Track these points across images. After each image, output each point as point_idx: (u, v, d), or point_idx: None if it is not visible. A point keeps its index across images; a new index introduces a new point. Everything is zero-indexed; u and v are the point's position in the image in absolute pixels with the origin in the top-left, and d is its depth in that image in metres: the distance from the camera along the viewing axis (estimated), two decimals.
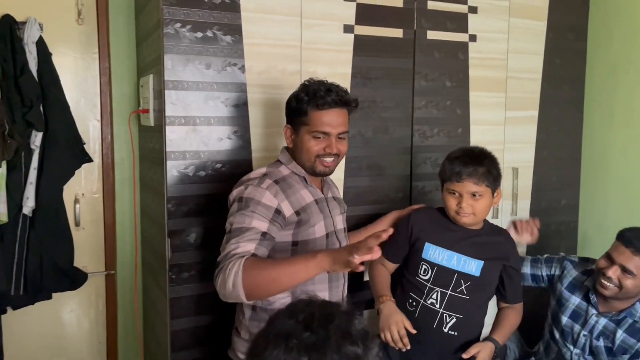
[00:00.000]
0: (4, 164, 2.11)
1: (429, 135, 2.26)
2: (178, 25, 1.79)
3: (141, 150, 2.36)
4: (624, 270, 1.82)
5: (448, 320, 1.80)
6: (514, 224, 2.11)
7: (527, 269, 2.17)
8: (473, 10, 2.28)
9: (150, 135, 2.11)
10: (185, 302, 1.88)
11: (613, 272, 1.83)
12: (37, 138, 2.17)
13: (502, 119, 2.43)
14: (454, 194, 1.76)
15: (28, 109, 2.14)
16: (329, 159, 1.61)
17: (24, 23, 2.17)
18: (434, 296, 1.81)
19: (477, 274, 1.80)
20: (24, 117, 2.13)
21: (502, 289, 1.90)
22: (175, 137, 1.83)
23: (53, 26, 2.28)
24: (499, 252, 1.86)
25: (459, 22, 2.26)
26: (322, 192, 1.70)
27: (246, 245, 1.44)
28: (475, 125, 2.35)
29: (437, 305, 1.80)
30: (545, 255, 2.19)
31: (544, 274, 2.14)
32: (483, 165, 1.73)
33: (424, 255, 1.84)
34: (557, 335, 2.06)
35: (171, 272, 1.85)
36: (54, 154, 2.19)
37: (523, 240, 2.11)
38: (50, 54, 2.23)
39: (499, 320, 1.92)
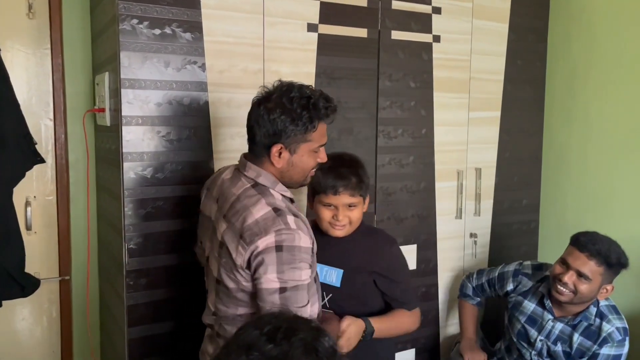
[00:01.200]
0: None
1: (393, 136, 2.25)
2: (135, 21, 1.72)
3: (97, 150, 2.27)
4: (580, 275, 1.83)
5: None
6: None
7: (486, 292, 2.21)
8: (437, 10, 2.28)
9: (107, 136, 2.03)
10: (143, 309, 1.81)
11: (569, 278, 1.85)
12: None
13: (466, 119, 2.44)
14: (329, 206, 1.67)
15: None
16: (314, 170, 1.53)
17: None
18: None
19: (337, 284, 1.70)
20: None
21: (386, 295, 1.75)
22: (132, 138, 1.75)
23: (1, 20, 2.17)
24: (364, 258, 1.71)
25: (423, 23, 2.26)
26: None
27: (316, 307, 1.39)
28: (439, 126, 2.35)
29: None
30: (497, 273, 2.20)
31: (500, 293, 2.17)
32: (356, 175, 1.66)
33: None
34: (514, 338, 2.08)
35: (128, 278, 1.78)
36: (3, 154, 2.07)
37: None
38: None
39: (387, 314, 1.74)
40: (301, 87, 1.43)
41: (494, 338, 2.38)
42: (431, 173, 2.34)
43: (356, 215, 1.68)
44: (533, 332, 2.00)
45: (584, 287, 1.83)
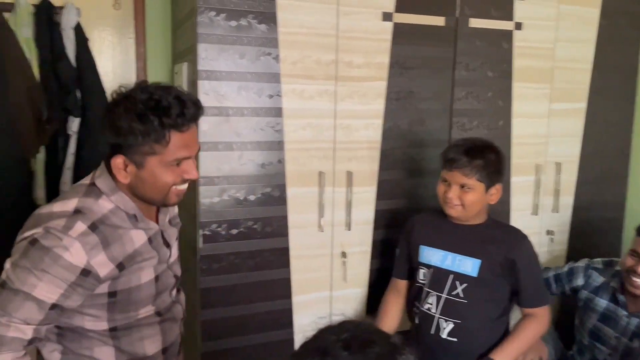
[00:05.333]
0: (42, 149, 2.14)
1: (468, 128, 2.18)
2: (212, 13, 1.76)
3: None
4: None
5: (445, 326, 1.70)
6: None
7: (552, 287, 2.11)
8: None
9: None
10: (215, 293, 1.88)
11: None
12: (74, 124, 2.19)
13: (546, 111, 2.31)
14: (445, 181, 1.70)
15: (65, 94, 2.15)
16: (185, 185, 1.27)
17: (61, 8, 2.17)
18: (430, 300, 1.74)
19: (475, 274, 1.69)
20: (61, 103, 2.15)
21: (516, 292, 1.75)
22: (208, 128, 1.81)
23: (90, 11, 2.27)
24: (500, 248, 1.70)
25: (504, 9, 2.15)
26: (158, 221, 1.35)
27: (19, 329, 1.11)
28: (517, 118, 2.25)
29: (433, 310, 1.72)
30: (566, 268, 2.11)
31: (567, 288, 2.08)
32: (480, 158, 1.65)
33: (420, 259, 1.80)
34: (586, 338, 1.99)
35: (202, 263, 1.85)
36: (90, 139, 2.20)
37: None
38: (87, 40, 2.23)
39: (511, 332, 1.75)
40: (158, 89, 1.18)
41: (569, 341, 2.28)
42: (507, 167, 2.25)
43: (469, 198, 1.66)
44: (607, 330, 1.91)
45: None
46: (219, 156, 1.83)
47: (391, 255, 2.12)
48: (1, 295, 1.13)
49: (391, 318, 1.91)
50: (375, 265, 2.11)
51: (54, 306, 1.14)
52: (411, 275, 1.88)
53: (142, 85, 1.20)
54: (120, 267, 1.22)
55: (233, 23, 1.79)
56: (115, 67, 2.39)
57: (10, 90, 2.02)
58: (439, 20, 2.06)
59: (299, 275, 1.98)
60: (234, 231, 1.88)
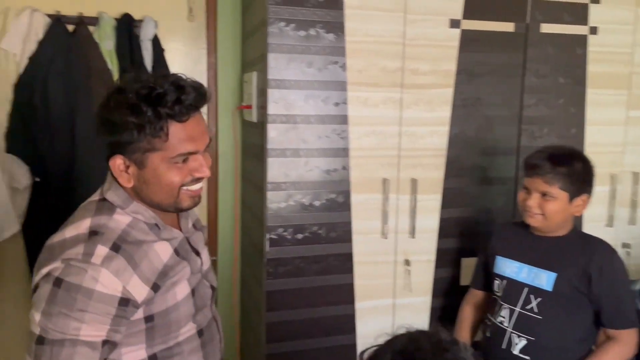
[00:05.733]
0: None
1: (537, 135, 2.12)
2: (282, 24, 1.81)
3: (243, 144, 2.44)
4: None
5: (517, 342, 1.61)
6: None
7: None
8: (595, 0, 2.08)
9: (252, 131, 2.17)
10: (280, 296, 1.92)
11: None
12: None
13: (624, 118, 2.21)
14: (526, 189, 1.62)
15: None
16: (198, 186, 1.11)
17: (140, 21, 2.30)
18: (503, 313, 1.66)
19: (549, 288, 1.58)
20: None
21: (598, 310, 1.59)
22: (276, 135, 1.86)
23: (166, 23, 2.40)
24: (579, 261, 1.57)
25: (577, 14, 2.08)
26: (181, 228, 1.21)
27: None
28: (591, 126, 2.17)
29: (506, 324, 1.64)
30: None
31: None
32: (564, 165, 1.55)
33: (494, 269, 1.73)
34: None
35: (268, 266, 1.90)
36: None
37: None
38: (163, 50, 2.35)
39: (590, 355, 1.60)
40: (153, 76, 1.05)
41: None
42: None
43: (551, 208, 1.57)
44: None
45: None
46: (286, 162, 1.88)
47: (456, 264, 2.09)
48: (45, 352, 0.97)
49: (465, 329, 1.87)
50: (439, 274, 2.08)
51: (105, 342, 1.01)
52: (489, 286, 1.81)
53: (136, 76, 1.05)
54: (155, 287, 1.07)
55: (302, 33, 1.83)
56: (188, 76, 2.49)
57: (93, 99, 2.15)
58: (508, 27, 2.02)
59: (362, 282, 1.99)
60: (300, 236, 1.91)
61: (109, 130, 1.04)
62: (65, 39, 2.16)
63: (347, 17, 1.86)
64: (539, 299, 1.60)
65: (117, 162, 1.06)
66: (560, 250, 1.62)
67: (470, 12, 1.97)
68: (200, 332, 1.20)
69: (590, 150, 2.17)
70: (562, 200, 1.57)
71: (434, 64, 1.96)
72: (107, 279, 1.00)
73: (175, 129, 1.03)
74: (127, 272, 1.02)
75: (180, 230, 1.21)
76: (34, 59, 2.13)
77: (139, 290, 1.04)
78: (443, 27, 1.96)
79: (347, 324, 2.00)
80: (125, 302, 1.02)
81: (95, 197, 1.13)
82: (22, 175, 2.17)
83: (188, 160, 1.07)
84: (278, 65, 1.83)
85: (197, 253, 1.23)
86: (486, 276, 1.82)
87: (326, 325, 1.98)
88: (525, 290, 1.62)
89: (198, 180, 1.10)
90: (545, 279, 1.60)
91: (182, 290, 1.13)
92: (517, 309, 1.63)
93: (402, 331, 0.87)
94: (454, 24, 1.96)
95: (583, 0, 2.08)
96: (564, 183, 1.56)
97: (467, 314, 1.89)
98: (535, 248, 1.65)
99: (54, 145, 2.14)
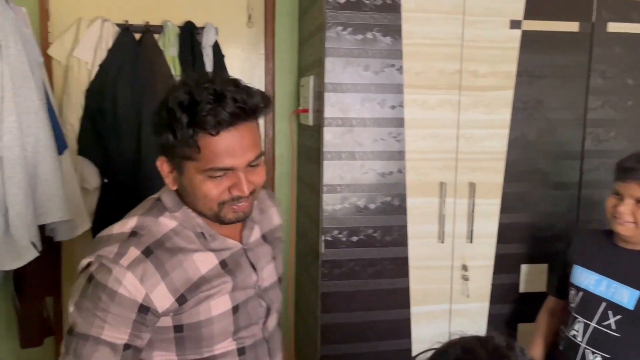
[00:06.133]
0: None
1: (603, 139, 2.04)
2: (340, 28, 1.83)
3: (299, 147, 2.47)
4: None
5: (591, 358, 1.51)
6: None
7: None
8: None
9: (309, 134, 2.20)
10: (335, 298, 1.93)
11: None
12: None
13: None
14: (617, 194, 1.50)
15: None
16: (240, 204, 1.02)
17: (202, 28, 2.38)
18: (576, 327, 1.56)
19: (631, 306, 1.45)
20: None
21: None
22: (332, 138, 1.88)
23: (226, 30, 2.47)
24: None
25: None
26: (241, 238, 1.13)
27: None
28: None
29: (579, 338, 1.54)
30: None
31: None
32: None
33: (571, 279, 1.63)
34: None
35: (324, 268, 1.92)
36: None
37: None
38: (223, 56, 2.42)
39: None
40: (203, 80, 0.97)
41: None
42: None
43: None
44: None
45: None
46: (342, 165, 1.89)
47: (516, 270, 2.04)
48: (72, 343, 0.98)
49: (539, 337, 1.79)
50: (498, 281, 2.04)
51: (127, 346, 0.99)
52: (565, 295, 1.71)
53: (187, 76, 1.02)
54: (181, 299, 1.01)
55: (359, 37, 1.84)
56: (246, 81, 2.55)
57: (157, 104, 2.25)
58: (572, 26, 1.96)
59: (418, 286, 1.98)
60: (354, 238, 1.92)
61: (154, 130, 1.01)
62: (132, 46, 2.27)
63: (404, 20, 1.86)
64: (618, 317, 1.48)
65: (159, 163, 1.04)
66: None
67: (531, 12, 1.92)
68: (241, 350, 1.11)
69: None
70: None
71: (493, 66, 1.93)
72: (131, 283, 0.97)
73: (208, 141, 0.95)
74: (153, 279, 0.98)
75: (241, 241, 1.13)
76: (104, 67, 2.25)
77: (163, 300, 0.99)
78: (503, 28, 1.92)
79: (402, 329, 1.99)
80: (145, 309, 0.98)
81: (156, 194, 1.11)
82: (92, 176, 2.30)
83: (226, 175, 0.99)
84: (335, 69, 1.85)
85: (255, 268, 1.14)
86: (563, 283, 1.72)
87: (381, 328, 1.98)
88: (603, 305, 1.52)
89: (238, 198, 1.00)
90: (627, 296, 1.48)
91: (219, 305, 1.06)
92: (593, 324, 1.53)
93: (455, 337, 0.85)
94: (515, 24, 1.92)
95: None
96: None
97: (542, 321, 1.81)
98: (617, 260, 1.53)
99: (121, 148, 2.25)
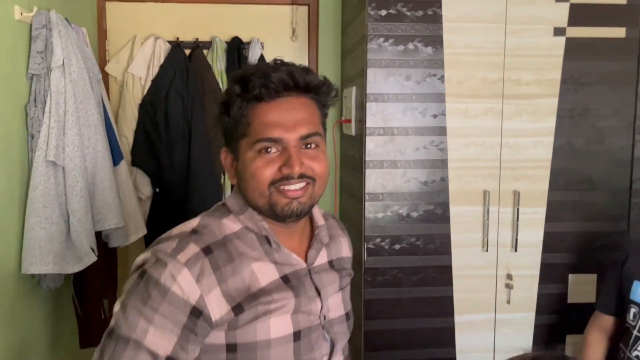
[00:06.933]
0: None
1: None
2: (381, 40, 1.87)
3: (342, 157, 2.52)
4: None
5: None
6: None
7: None
8: None
9: (351, 144, 2.24)
10: (379, 305, 1.95)
11: None
12: None
13: None
14: None
15: None
16: (294, 186, 0.92)
17: (248, 43, 2.47)
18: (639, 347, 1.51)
19: None
20: None
21: None
22: (374, 147, 1.91)
23: (272, 44, 2.56)
24: None
25: None
26: (307, 258, 1.01)
27: None
28: None
29: None
30: None
31: None
32: None
33: (631, 295, 1.56)
34: None
35: (367, 275, 1.94)
36: None
37: None
38: None
39: None
40: (268, 63, 0.96)
41: None
42: None
43: None
44: None
45: None
46: (384, 174, 1.92)
47: (563, 280, 2.00)
48: (110, 346, 0.87)
49: (595, 356, 1.70)
50: (544, 290, 2.01)
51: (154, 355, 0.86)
52: (620, 311, 1.65)
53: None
54: (238, 309, 0.90)
55: (400, 47, 1.88)
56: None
57: (207, 116, 2.35)
58: (619, 32, 1.93)
59: (462, 295, 1.97)
60: (397, 246, 1.94)
61: (218, 119, 0.99)
62: (183, 62, 2.38)
63: (445, 30, 1.88)
64: None
65: (224, 155, 1.00)
66: None
67: (575, 19, 1.91)
68: None
69: None
70: None
71: (536, 74, 1.92)
72: (186, 281, 0.87)
73: (259, 110, 0.91)
74: (209, 281, 0.89)
75: (306, 261, 1.01)
76: (156, 81, 2.37)
77: (217, 306, 0.89)
78: (547, 36, 1.91)
79: (447, 337, 1.99)
80: (197, 313, 0.87)
81: (221, 201, 1.05)
82: (145, 186, 2.41)
83: (278, 154, 0.92)
84: (377, 80, 1.88)
85: (319, 294, 1.01)
86: (618, 300, 1.65)
87: (425, 337, 1.98)
88: None
89: (287, 177, 0.91)
90: None
91: (279, 326, 0.94)
92: None
93: (517, 354, 0.82)
94: (559, 32, 1.91)
95: None
96: None
97: (595, 339, 1.71)
98: None
99: (172, 159, 2.36)
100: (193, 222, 0.97)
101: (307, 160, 0.93)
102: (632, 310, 1.56)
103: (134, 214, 2.16)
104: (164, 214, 2.41)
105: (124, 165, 2.13)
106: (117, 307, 0.90)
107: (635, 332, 1.54)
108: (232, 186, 2.48)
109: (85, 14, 2.30)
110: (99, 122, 1.84)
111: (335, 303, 1.05)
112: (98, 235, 1.85)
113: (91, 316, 1.93)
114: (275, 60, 0.95)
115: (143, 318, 0.86)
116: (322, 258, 1.04)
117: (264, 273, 0.94)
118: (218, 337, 0.91)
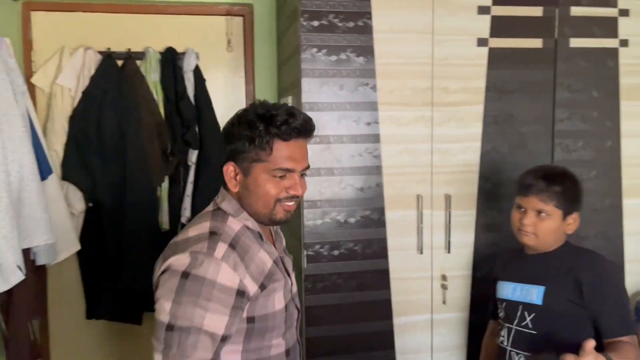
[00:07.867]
0: (166, 178, 2.40)
1: (572, 149, 2.12)
2: (314, 50, 1.91)
3: None
4: None
5: (516, 359, 1.62)
6: None
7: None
8: (624, 13, 2.10)
9: None
10: (319, 311, 1.97)
11: None
12: (193, 155, 2.43)
13: None
14: (520, 208, 1.62)
15: (186, 129, 2.41)
16: (291, 203, 1.25)
17: (183, 53, 2.45)
18: (502, 333, 1.68)
19: (539, 302, 1.58)
20: (182, 137, 2.41)
21: (595, 321, 1.54)
22: (311, 155, 1.91)
23: (207, 54, 2.54)
24: (569, 273, 1.55)
25: (607, 27, 2.10)
26: (275, 248, 1.34)
27: None
28: (627, 138, 2.15)
29: (505, 343, 1.65)
30: None
31: None
32: (558, 184, 1.57)
33: (497, 295, 1.74)
34: None
35: (307, 282, 1.96)
36: (207, 170, 2.43)
37: None
38: (204, 80, 2.48)
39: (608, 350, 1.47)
40: (276, 105, 1.24)
41: None
42: (617, 189, 2.15)
43: (545, 226, 1.58)
44: None
45: None
46: (321, 181, 1.95)
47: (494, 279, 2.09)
48: (174, 337, 1.09)
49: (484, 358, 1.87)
50: (477, 290, 2.09)
51: (223, 338, 1.12)
52: (497, 314, 1.79)
53: (263, 102, 1.26)
54: (262, 286, 1.20)
55: (333, 58, 1.92)
56: (228, 103, 2.62)
57: (142, 127, 2.30)
58: (536, 43, 2.06)
59: (399, 297, 2.03)
60: (336, 252, 1.97)
61: (228, 140, 1.24)
62: (115, 73, 2.33)
63: (376, 40, 1.94)
64: (532, 314, 1.60)
65: (230, 169, 1.24)
66: (549, 264, 1.62)
67: (497, 30, 2.02)
68: (287, 352, 1.29)
69: (628, 162, 2.16)
70: (557, 218, 1.59)
71: (463, 82, 2.02)
72: (227, 273, 1.13)
73: (279, 146, 1.20)
74: (241, 268, 1.16)
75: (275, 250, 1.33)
76: (87, 93, 2.30)
77: (250, 286, 1.17)
78: (471, 47, 2.01)
79: (386, 340, 2.03)
80: (241, 293, 1.14)
81: (210, 208, 1.28)
82: (77, 201, 2.33)
83: (285, 177, 1.22)
84: (311, 89, 1.92)
85: (288, 274, 1.34)
86: (494, 304, 1.81)
87: (365, 340, 2.01)
88: (520, 307, 1.63)
89: (292, 197, 1.23)
90: (535, 294, 1.60)
91: (279, 300, 1.24)
92: (514, 327, 1.63)
93: None
94: (482, 42, 2.02)
95: (612, 14, 2.10)
96: (559, 201, 1.58)
97: (487, 342, 1.88)
98: (526, 266, 1.66)
99: (106, 172, 2.29)
100: (204, 226, 1.20)
101: (303, 184, 1.25)
102: (499, 307, 1.73)
103: (66, 229, 2.08)
104: (99, 228, 2.33)
105: (53, 180, 2.05)
106: (168, 306, 1.10)
107: (501, 322, 1.70)
108: (169, 199, 2.43)
109: (9, 23, 2.21)
110: (25, 135, 1.77)
111: (293, 279, 1.38)
112: (26, 252, 1.78)
113: (18, 337, 1.84)
114: (284, 105, 1.24)
115: (199, 308, 1.09)
116: (281, 246, 1.40)
117: (266, 259, 1.24)
118: (244, 312, 1.17)
